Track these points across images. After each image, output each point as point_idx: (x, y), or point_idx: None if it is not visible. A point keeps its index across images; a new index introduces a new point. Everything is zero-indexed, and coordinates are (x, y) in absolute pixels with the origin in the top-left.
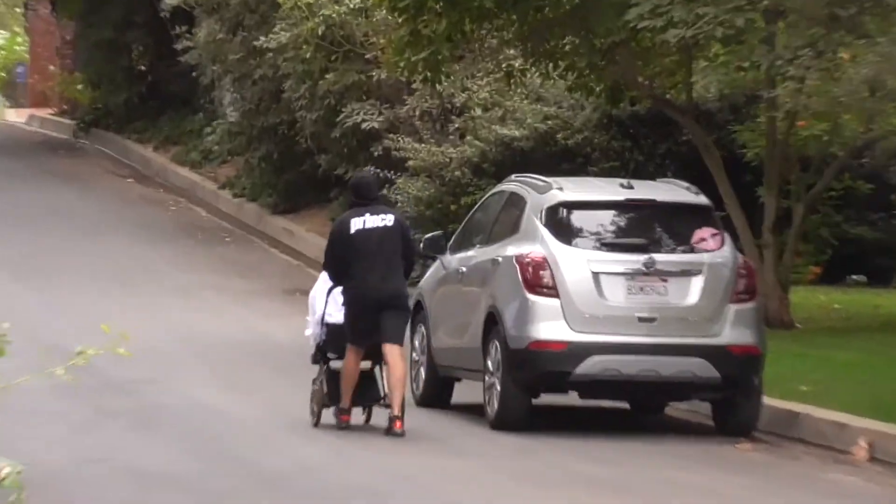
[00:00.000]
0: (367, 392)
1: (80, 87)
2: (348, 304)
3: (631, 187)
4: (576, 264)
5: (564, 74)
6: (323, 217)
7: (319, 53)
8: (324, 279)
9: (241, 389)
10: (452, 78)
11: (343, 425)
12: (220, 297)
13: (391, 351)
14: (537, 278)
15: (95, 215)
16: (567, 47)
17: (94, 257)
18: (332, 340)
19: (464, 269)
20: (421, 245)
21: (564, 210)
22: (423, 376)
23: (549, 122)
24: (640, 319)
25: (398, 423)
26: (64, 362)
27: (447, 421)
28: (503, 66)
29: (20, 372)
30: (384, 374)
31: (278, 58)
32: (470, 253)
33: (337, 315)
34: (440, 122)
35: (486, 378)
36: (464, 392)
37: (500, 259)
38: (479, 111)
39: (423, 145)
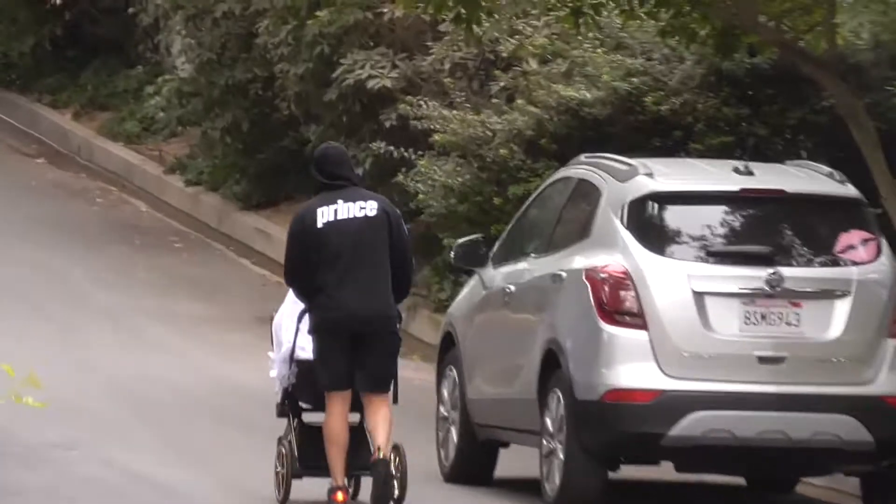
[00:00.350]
0: (355, 455)
1: None
2: (315, 331)
3: (750, 173)
4: (671, 282)
5: (655, 12)
6: None
7: None
8: (292, 300)
9: (190, 457)
10: (496, 17)
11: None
12: (166, 328)
13: (372, 403)
14: (616, 302)
15: None
16: None
17: None
18: (304, 384)
19: (512, 288)
20: (451, 254)
21: (655, 205)
22: (455, 440)
23: (634, 79)
24: (762, 360)
25: (385, 454)
26: None
27: (488, 503)
28: None
29: None
30: (367, 427)
31: None
32: (521, 266)
33: (311, 349)
34: (479, 80)
35: (544, 442)
36: (512, 462)
37: (563, 274)
38: (533, 64)
39: (454, 112)
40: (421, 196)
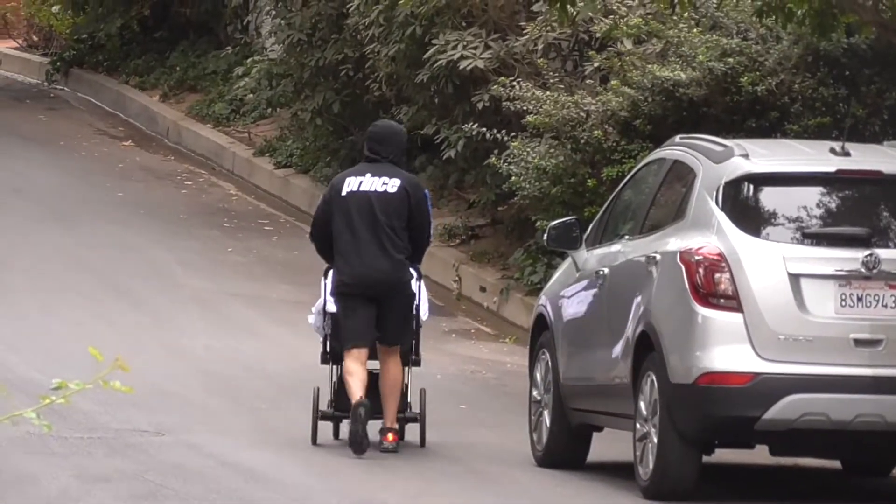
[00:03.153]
0: (373, 402)
1: (55, 9)
2: (334, 292)
3: (847, 154)
4: (767, 264)
5: None
6: None
7: None
8: None
9: (279, 443)
10: None
11: (358, 402)
12: (256, 312)
13: (385, 353)
14: (711, 284)
15: (77, 195)
16: None
17: (74, 255)
18: (337, 334)
19: (606, 270)
20: (544, 237)
21: (751, 186)
22: (548, 423)
23: (730, 59)
24: (858, 342)
25: (391, 436)
26: (35, 402)
27: (581, 487)
28: None
29: None
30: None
31: None
32: (615, 248)
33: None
34: (573, 61)
35: (638, 426)
36: (605, 446)
37: (658, 256)
38: (628, 44)
39: (548, 93)
40: (514, 178)
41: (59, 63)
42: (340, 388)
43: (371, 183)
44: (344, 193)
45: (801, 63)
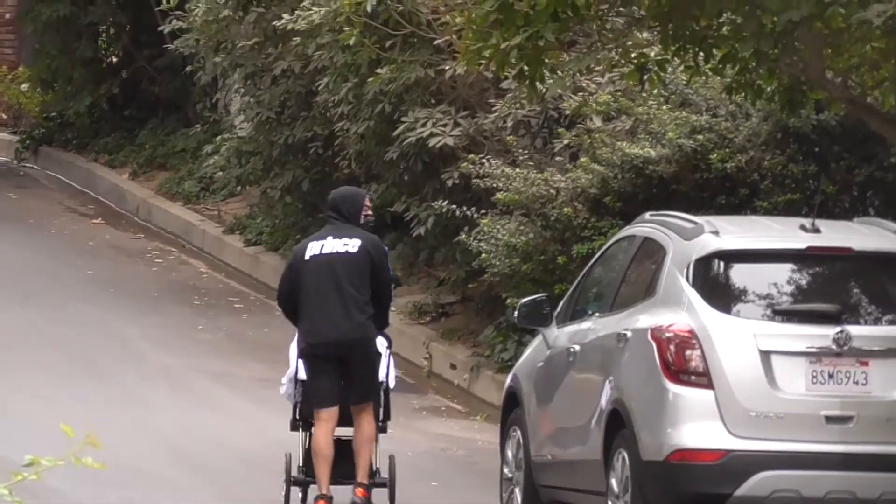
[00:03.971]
0: (344, 466)
1: (24, 87)
2: (301, 355)
3: (817, 230)
4: (738, 341)
5: (721, 68)
6: None
7: (368, 38)
8: None
9: None
10: (560, 73)
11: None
12: (226, 389)
13: (357, 412)
14: (682, 361)
15: (45, 272)
16: (725, 29)
17: (44, 333)
18: (308, 401)
19: (577, 347)
20: (515, 314)
21: (721, 263)
22: (519, 501)
23: (700, 136)
24: (830, 419)
25: (361, 492)
26: (5, 479)
27: None
28: (632, 55)
29: None
30: (354, 446)
31: (309, 44)
32: (586, 325)
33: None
34: (542, 138)
35: (610, 503)
36: None
37: (628, 333)
38: (598, 121)
39: (517, 170)
40: (484, 255)
41: (28, 141)
42: (309, 455)
43: (332, 245)
44: (307, 258)
45: (770, 139)
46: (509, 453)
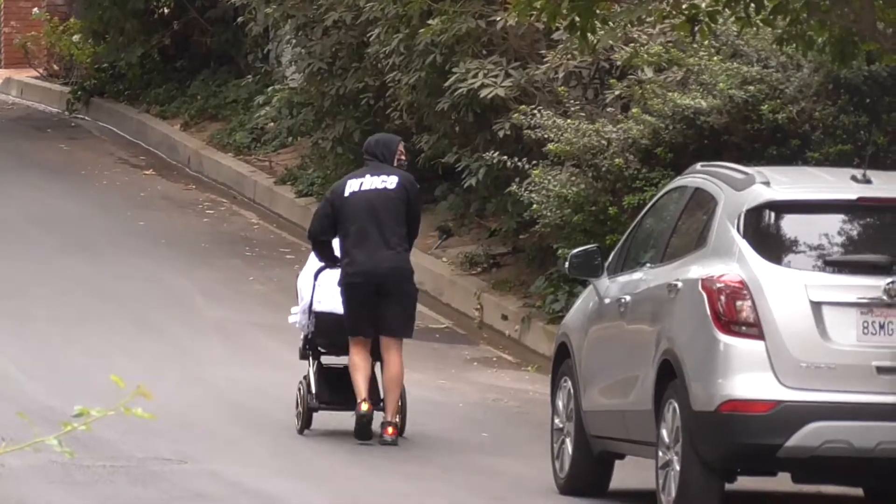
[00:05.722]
0: (348, 393)
1: (76, 39)
2: (341, 286)
3: (868, 181)
4: (788, 291)
5: (772, 19)
6: (425, 225)
7: None
8: (312, 260)
9: (301, 471)
10: (611, 24)
11: (363, 412)
12: (277, 341)
13: (387, 345)
14: (733, 311)
15: (97, 224)
16: None
17: (95, 285)
18: (321, 332)
19: (627, 298)
20: (566, 265)
21: (772, 214)
22: (570, 451)
23: (751, 87)
24: (881, 370)
25: (391, 430)
26: (56, 431)
27: None
28: (684, 7)
29: None
30: (383, 381)
31: None
32: (637, 276)
33: (327, 302)
34: (593, 89)
35: (660, 453)
36: (627, 474)
37: (679, 284)
38: (649, 72)
39: (569, 121)
40: (535, 206)
41: (79, 92)
42: (319, 381)
43: (371, 182)
44: (347, 195)
45: (821, 91)
46: (560, 404)
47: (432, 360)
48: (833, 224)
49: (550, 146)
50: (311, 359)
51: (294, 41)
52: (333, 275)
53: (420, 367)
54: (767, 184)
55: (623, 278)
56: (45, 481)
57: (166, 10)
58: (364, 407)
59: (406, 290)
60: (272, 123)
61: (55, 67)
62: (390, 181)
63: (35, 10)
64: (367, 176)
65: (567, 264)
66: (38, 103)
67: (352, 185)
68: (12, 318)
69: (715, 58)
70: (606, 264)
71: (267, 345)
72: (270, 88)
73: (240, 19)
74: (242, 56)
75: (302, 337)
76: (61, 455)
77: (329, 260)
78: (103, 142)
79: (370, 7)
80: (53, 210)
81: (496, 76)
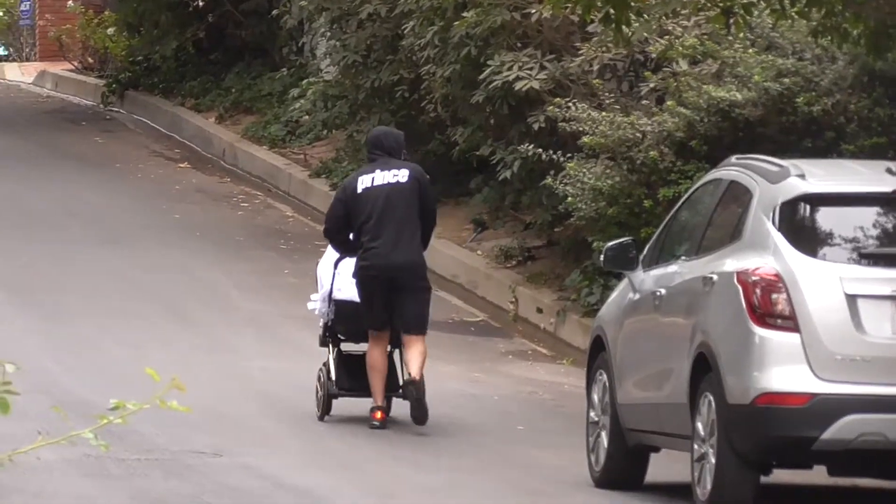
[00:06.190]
0: (389, 381)
1: (110, 31)
2: (357, 280)
3: None
4: (823, 284)
5: (807, 11)
6: (460, 218)
7: None
8: (331, 249)
9: (335, 464)
10: (646, 17)
11: (377, 424)
12: (312, 334)
13: (409, 342)
14: (768, 304)
15: (132, 217)
16: None
17: (130, 277)
18: (341, 319)
19: (662, 291)
20: (601, 258)
21: (807, 206)
22: (605, 445)
23: (786, 80)
24: None
25: (417, 379)
26: (91, 424)
27: None
28: None
29: (29, 437)
30: (403, 359)
31: None
32: (672, 268)
33: (347, 291)
34: (628, 81)
35: (696, 447)
36: (663, 467)
37: (714, 277)
38: (683, 65)
39: (603, 114)
40: (570, 199)
41: (114, 85)
42: (338, 367)
43: (383, 177)
44: (359, 191)
45: (856, 83)
46: (595, 397)
47: (467, 353)
48: (868, 216)
49: (585, 139)
50: (330, 346)
51: (329, 34)
52: (353, 263)
53: (455, 360)
54: (802, 176)
55: (658, 271)
56: (81, 474)
57: (201, 3)
58: (378, 415)
59: (421, 286)
60: (307, 116)
61: (90, 60)
62: (402, 174)
63: (70, 2)
64: (378, 171)
65: (602, 257)
66: (73, 96)
67: (364, 181)
68: (47, 310)
69: (750, 50)
70: (641, 257)
71: (301, 337)
72: (305, 81)
73: (274, 12)
74: (277, 49)
75: (321, 324)
76: (97, 448)
77: (349, 251)
78: (138, 135)
79: (405, 0)
80: (88, 203)
81: (531, 69)
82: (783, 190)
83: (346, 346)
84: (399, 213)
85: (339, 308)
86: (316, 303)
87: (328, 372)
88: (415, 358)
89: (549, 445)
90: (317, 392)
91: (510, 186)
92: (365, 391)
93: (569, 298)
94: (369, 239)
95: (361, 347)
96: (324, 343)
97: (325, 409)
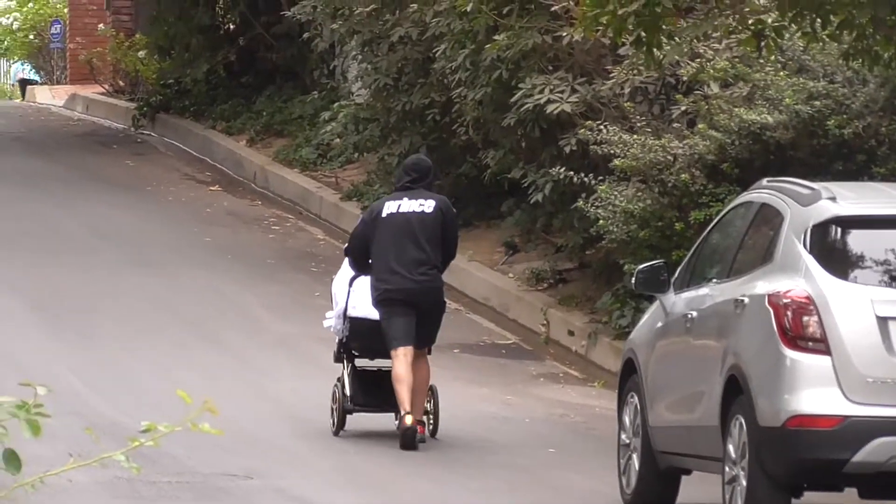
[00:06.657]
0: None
1: (141, 55)
2: (376, 302)
3: None
4: (855, 307)
5: (838, 34)
6: (492, 240)
7: (485, 4)
8: (346, 267)
9: (369, 487)
10: (677, 40)
11: (407, 427)
12: None
13: (417, 356)
14: (799, 327)
15: (163, 239)
16: None
17: (161, 300)
18: (356, 336)
19: (694, 313)
20: (632, 280)
21: (839, 229)
22: (637, 467)
23: (817, 103)
24: None
25: (420, 428)
26: (121, 445)
27: None
28: (749, 22)
29: (60, 459)
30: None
31: (426, 11)
32: (703, 291)
33: (361, 308)
34: (659, 104)
35: (727, 469)
36: (694, 489)
37: (745, 300)
38: (715, 87)
39: (634, 137)
40: (601, 222)
41: (145, 108)
42: (353, 383)
43: (409, 205)
44: (384, 215)
45: (887, 105)
46: (627, 419)
47: (499, 376)
48: None
49: (616, 162)
50: (345, 361)
51: (360, 57)
52: (368, 281)
53: (486, 382)
54: (834, 199)
55: (689, 294)
56: (112, 497)
57: (232, 27)
58: (408, 420)
59: (438, 310)
60: (338, 139)
61: (121, 83)
62: (428, 205)
63: (101, 26)
64: (405, 199)
65: (633, 280)
66: (104, 119)
67: (389, 207)
68: (78, 332)
69: (781, 73)
70: (673, 280)
71: (330, 358)
72: (336, 104)
73: (305, 35)
74: (308, 72)
75: (336, 341)
76: (128, 471)
77: (365, 270)
78: (169, 157)
79: (436, 23)
80: (119, 225)
81: (562, 91)
82: (814, 213)
83: (361, 362)
84: (421, 240)
85: (354, 325)
86: (331, 320)
87: (343, 387)
88: (419, 392)
89: (580, 468)
90: (331, 407)
91: (541, 209)
92: (380, 407)
93: (600, 321)
94: (390, 264)
95: (376, 364)
96: (338, 359)
97: (339, 423)
